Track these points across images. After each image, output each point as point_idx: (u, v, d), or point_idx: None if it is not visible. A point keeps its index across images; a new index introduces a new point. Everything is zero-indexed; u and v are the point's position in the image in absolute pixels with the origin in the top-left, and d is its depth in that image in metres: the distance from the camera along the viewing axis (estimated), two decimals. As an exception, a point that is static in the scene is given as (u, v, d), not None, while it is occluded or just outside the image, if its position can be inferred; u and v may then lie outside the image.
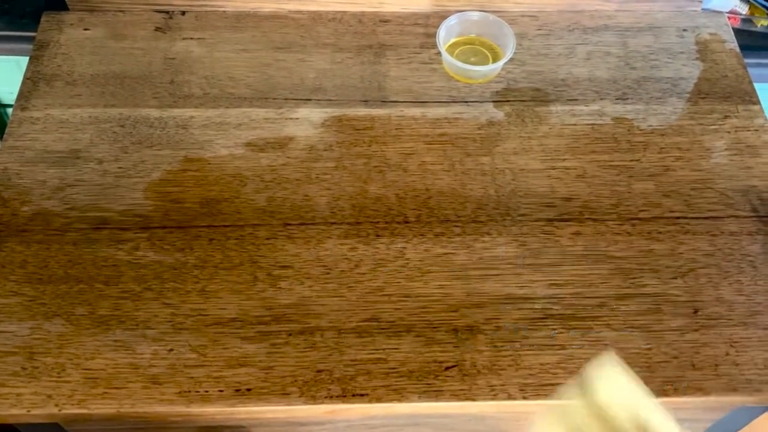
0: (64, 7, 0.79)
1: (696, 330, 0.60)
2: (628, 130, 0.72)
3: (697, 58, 0.78)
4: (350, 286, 0.61)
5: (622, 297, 0.61)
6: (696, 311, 0.61)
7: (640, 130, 0.72)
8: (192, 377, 0.57)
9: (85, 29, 0.78)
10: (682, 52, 0.79)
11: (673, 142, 0.71)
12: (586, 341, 0.59)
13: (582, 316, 0.60)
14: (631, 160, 0.70)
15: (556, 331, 0.59)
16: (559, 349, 0.59)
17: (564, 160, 0.69)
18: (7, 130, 0.70)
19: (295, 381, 0.57)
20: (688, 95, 0.75)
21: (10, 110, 0.96)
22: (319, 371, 0.57)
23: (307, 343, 0.58)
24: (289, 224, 0.65)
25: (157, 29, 0.78)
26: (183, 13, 0.80)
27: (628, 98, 0.74)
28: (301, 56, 0.77)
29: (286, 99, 0.73)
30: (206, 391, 0.56)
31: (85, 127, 0.70)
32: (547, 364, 0.58)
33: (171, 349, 0.58)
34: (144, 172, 0.68)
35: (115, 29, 0.78)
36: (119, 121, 0.71)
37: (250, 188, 0.67)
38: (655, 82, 0.76)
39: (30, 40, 0.78)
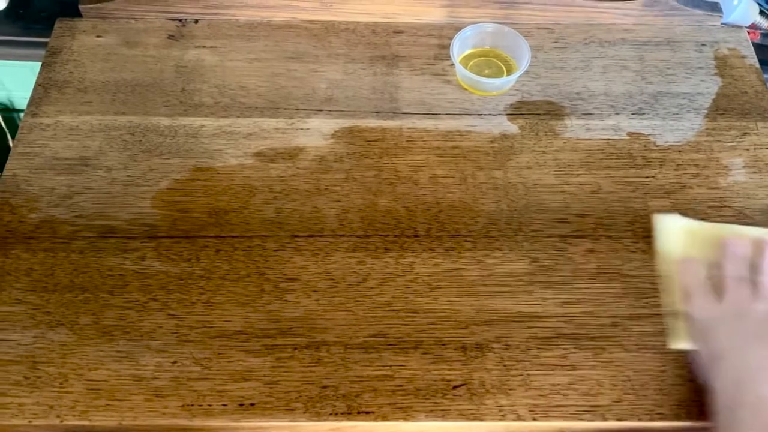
0: (77, 14, 0.79)
1: (712, 352, 0.58)
2: (644, 146, 0.71)
3: (715, 74, 0.77)
4: (358, 301, 0.60)
5: (636, 317, 0.60)
6: (712, 333, 0.59)
7: (657, 146, 0.71)
8: (195, 390, 0.56)
9: (98, 36, 0.78)
10: (700, 67, 0.77)
11: (689, 159, 0.70)
12: (599, 362, 0.58)
13: (595, 335, 0.59)
14: (647, 177, 0.68)
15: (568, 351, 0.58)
16: (570, 370, 0.57)
17: (578, 175, 0.68)
18: (17, 137, 0.70)
19: (300, 396, 0.56)
20: (705, 111, 0.74)
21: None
22: (324, 387, 0.56)
23: (312, 358, 0.57)
24: (298, 236, 0.64)
25: (170, 37, 0.78)
26: (196, 21, 0.79)
27: (644, 113, 0.73)
28: (313, 66, 0.76)
29: (297, 109, 0.73)
30: (210, 405, 0.55)
31: (95, 135, 0.70)
32: (558, 384, 0.56)
33: (175, 362, 0.57)
34: (152, 181, 0.67)
35: (127, 36, 0.78)
36: (129, 129, 0.71)
37: (259, 199, 0.66)
38: (672, 98, 0.75)
39: (44, 45, 0.78)
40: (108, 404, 0.55)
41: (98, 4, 0.78)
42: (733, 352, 0.53)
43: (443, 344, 0.58)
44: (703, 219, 0.65)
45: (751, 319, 0.55)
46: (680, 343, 0.57)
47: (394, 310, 0.60)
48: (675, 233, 0.62)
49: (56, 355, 0.57)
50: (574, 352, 0.58)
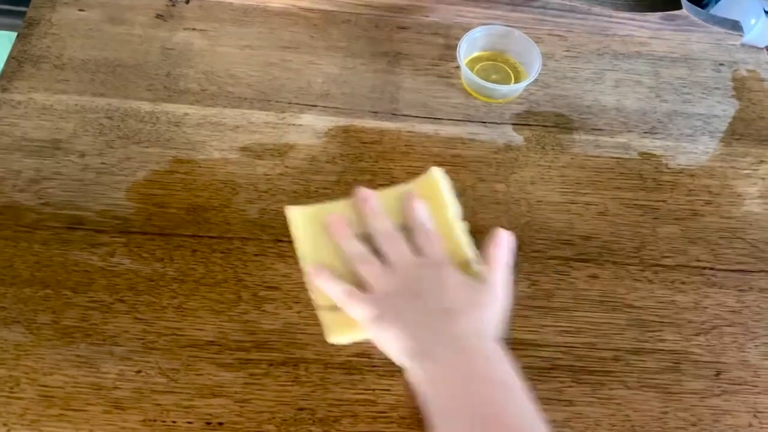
0: (60, -15, 0.74)
1: (717, 395, 0.55)
2: (656, 168, 0.66)
3: (732, 96, 0.73)
4: (342, 316, 0.56)
5: (639, 351, 0.56)
6: (718, 374, 0.56)
7: (669, 168, 0.67)
8: (159, 404, 0.51)
9: (80, 10, 0.72)
10: (717, 88, 0.73)
11: (702, 185, 0.66)
12: (597, 398, 0.54)
13: (594, 369, 0.55)
14: (657, 201, 0.64)
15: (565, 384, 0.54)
16: (566, 405, 0.53)
17: (585, 194, 0.64)
18: (-16, 112, 0.64)
19: (273, 418, 0.51)
20: (721, 135, 0.70)
21: None
22: (300, 409, 0.52)
23: (289, 376, 0.53)
24: (281, 241, 0.59)
25: (158, 16, 0.73)
26: (187, 1, 0.74)
27: (657, 133, 0.69)
28: (310, 58, 0.71)
29: (289, 103, 0.68)
30: (173, 422, 0.50)
31: (70, 116, 0.65)
32: (553, 421, 0.52)
33: (139, 371, 0.52)
34: (128, 171, 0.62)
35: (112, 12, 0.73)
36: (107, 113, 0.65)
37: (242, 197, 0.61)
38: (686, 118, 0.71)
39: (23, 15, 0.73)
40: (62, 414, 0.50)
41: (83, -24, 0.73)
42: (416, 321, 0.47)
43: (432, 369, 0.54)
44: (712, 250, 0.62)
45: (403, 288, 0.49)
46: (337, 338, 0.50)
47: (380, 329, 0.55)
48: (303, 223, 0.54)
49: (9, 356, 0.52)
50: (572, 386, 0.54)
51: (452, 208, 0.53)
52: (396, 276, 0.50)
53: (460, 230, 0.52)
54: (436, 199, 0.54)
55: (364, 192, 0.54)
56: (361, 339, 0.50)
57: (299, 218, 0.54)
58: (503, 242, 0.51)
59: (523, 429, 0.43)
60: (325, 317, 0.51)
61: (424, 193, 0.54)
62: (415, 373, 0.45)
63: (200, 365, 0.53)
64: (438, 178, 0.55)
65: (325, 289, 0.51)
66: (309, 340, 0.54)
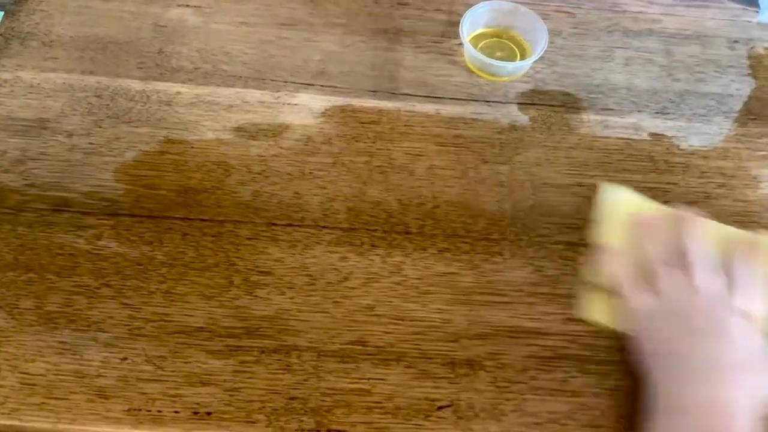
0: (50, -40, 0.71)
1: (730, 386, 0.52)
2: (667, 149, 0.64)
3: (748, 74, 0.70)
4: (336, 302, 0.53)
5: (648, 340, 0.53)
6: (731, 364, 0.53)
7: (680, 149, 0.64)
8: (145, 393, 0.49)
9: (70, -14, 0.70)
10: (731, 66, 0.70)
11: (716, 167, 0.63)
12: (604, 389, 0.51)
13: (600, 359, 0.52)
14: (668, 183, 0.61)
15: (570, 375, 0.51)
16: (571, 396, 0.51)
17: (592, 176, 0.61)
18: (-31, 91, 0.62)
19: (264, 407, 0.49)
20: (735, 115, 0.67)
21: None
22: (291, 398, 0.49)
23: (280, 364, 0.51)
24: (275, 224, 0.57)
25: (151, -8, 0.70)
26: (181, -24, 0.72)
27: (668, 113, 0.66)
28: (307, 35, 0.69)
29: (285, 81, 0.65)
30: (159, 411, 0.48)
31: (58, 95, 0.63)
32: (557, 412, 0.50)
33: (124, 358, 0.50)
34: (117, 151, 0.60)
35: (103, -12, 0.70)
36: (96, 91, 0.63)
37: (235, 179, 0.59)
38: (699, 97, 0.67)
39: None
40: (43, 402, 0.48)
41: (74, -50, 0.70)
42: (680, 350, 0.48)
43: (429, 358, 0.51)
44: (727, 234, 0.59)
45: (693, 312, 0.49)
46: (594, 316, 0.53)
47: (376, 315, 0.53)
48: (619, 205, 0.57)
49: (-11, 342, 0.50)
50: (577, 377, 0.52)
51: None
52: (697, 297, 0.49)
53: None
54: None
55: (692, 214, 0.54)
56: (610, 327, 0.52)
57: (618, 199, 0.57)
58: None
59: None
60: (591, 294, 0.53)
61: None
62: (655, 394, 0.47)
63: (188, 352, 0.51)
64: None
65: (614, 270, 0.52)
66: (302, 327, 0.52)
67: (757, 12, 0.73)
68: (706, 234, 0.53)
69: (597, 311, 0.53)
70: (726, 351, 0.47)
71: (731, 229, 0.56)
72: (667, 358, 0.48)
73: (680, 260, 0.51)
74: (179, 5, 0.70)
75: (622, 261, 0.53)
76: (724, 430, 0.44)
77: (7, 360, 0.50)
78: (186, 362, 0.50)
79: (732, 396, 0.45)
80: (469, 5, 0.67)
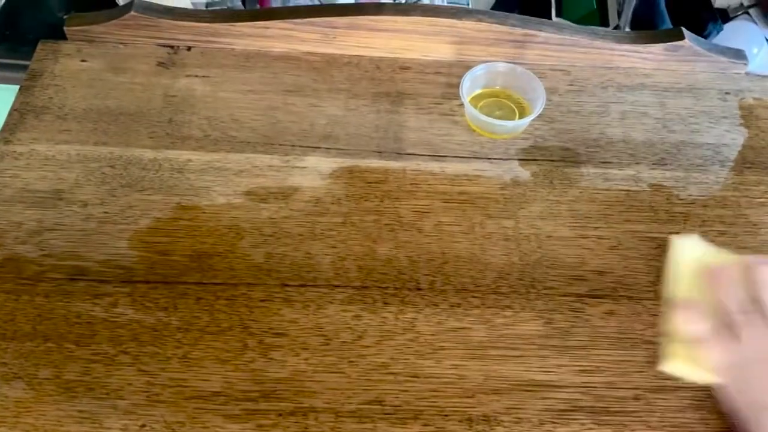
0: (62, 37, 0.74)
1: (745, 433, 0.52)
2: (667, 199, 0.65)
3: (741, 124, 0.72)
4: (352, 361, 0.54)
5: (660, 389, 0.54)
6: (745, 410, 0.53)
7: (680, 199, 0.65)
8: (164, 460, 0.49)
9: (83, 60, 0.73)
10: (724, 117, 0.72)
11: (716, 215, 0.64)
12: (620, 440, 0.51)
13: (615, 410, 0.53)
14: (670, 233, 0.63)
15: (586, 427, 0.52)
16: (588, 449, 0.51)
17: (596, 228, 0.63)
18: (-14, 165, 0.64)
19: (283, 471, 0.49)
20: (731, 164, 0.69)
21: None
22: (310, 460, 0.50)
23: (298, 426, 0.51)
24: (288, 285, 0.58)
25: (160, 64, 0.73)
26: (189, 48, 0.74)
27: (666, 164, 0.68)
28: (313, 101, 0.71)
29: (293, 146, 0.67)
30: (179, 478, 0.48)
31: (72, 166, 0.64)
32: (575, 466, 0.50)
33: (143, 425, 0.51)
34: (131, 219, 0.61)
35: (114, 62, 0.73)
36: (109, 161, 0.65)
37: (247, 242, 0.60)
38: (695, 148, 0.70)
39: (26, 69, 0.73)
40: (64, 473, 0.48)
41: (85, 27, 0.73)
42: None
43: (446, 415, 0.52)
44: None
45: None
46: (678, 371, 0.52)
47: (392, 374, 0.53)
48: (689, 256, 0.56)
49: (9, 414, 0.50)
50: (593, 429, 0.52)
51: None
52: None
53: None
54: None
55: (762, 261, 0.52)
56: (696, 380, 0.52)
57: (687, 251, 0.56)
58: None
59: None
60: (671, 347, 0.52)
61: None
62: None
63: (206, 417, 0.51)
64: None
65: (690, 322, 0.52)
66: (318, 388, 0.53)
67: (745, 64, 0.76)
68: None
69: (681, 366, 0.52)
70: None
71: None
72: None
73: (756, 307, 0.51)
74: (187, 75, 0.72)
75: (699, 313, 0.52)
76: None
77: (28, 431, 0.50)
78: (204, 427, 0.51)
79: None
80: (468, 67, 0.70)
